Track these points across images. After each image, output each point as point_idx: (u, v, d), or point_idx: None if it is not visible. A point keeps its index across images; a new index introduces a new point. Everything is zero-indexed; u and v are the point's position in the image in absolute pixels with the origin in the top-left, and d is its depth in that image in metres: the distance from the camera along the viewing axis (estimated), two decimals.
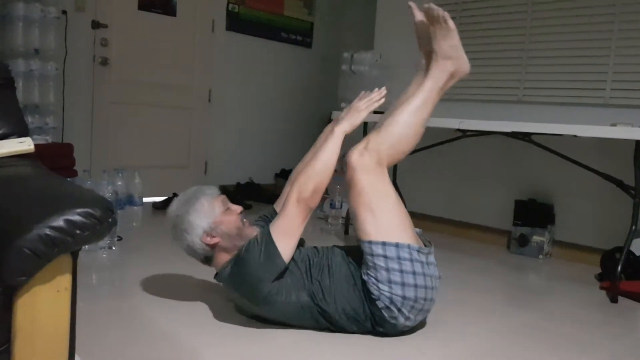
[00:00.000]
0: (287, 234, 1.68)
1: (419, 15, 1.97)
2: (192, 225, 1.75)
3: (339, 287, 1.74)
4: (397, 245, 1.70)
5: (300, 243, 1.83)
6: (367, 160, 1.75)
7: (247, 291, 1.71)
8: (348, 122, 1.81)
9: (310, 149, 2.06)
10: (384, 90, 1.88)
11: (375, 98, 1.85)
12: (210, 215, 1.76)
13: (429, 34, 1.93)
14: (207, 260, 1.82)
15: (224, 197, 1.83)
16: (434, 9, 1.85)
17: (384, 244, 1.70)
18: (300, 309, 1.73)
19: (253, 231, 1.81)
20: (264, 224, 1.89)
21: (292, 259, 1.74)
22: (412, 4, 1.99)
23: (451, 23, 1.85)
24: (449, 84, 1.92)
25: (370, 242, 1.71)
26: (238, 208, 1.83)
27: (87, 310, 1.79)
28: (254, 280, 1.67)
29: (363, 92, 1.92)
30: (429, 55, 1.97)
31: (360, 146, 1.78)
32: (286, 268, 1.70)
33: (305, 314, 1.74)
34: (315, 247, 1.91)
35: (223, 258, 1.79)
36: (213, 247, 1.77)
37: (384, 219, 1.73)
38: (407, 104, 1.86)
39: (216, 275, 1.83)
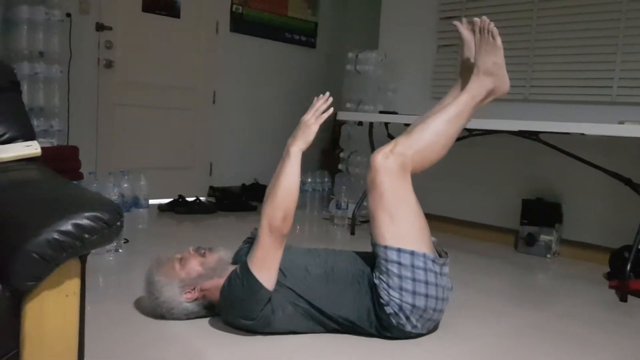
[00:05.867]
0: (265, 265, 1.63)
1: (466, 34, 1.95)
2: (171, 299, 1.74)
3: (343, 292, 1.73)
4: (412, 253, 1.68)
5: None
6: (391, 164, 1.72)
7: (242, 323, 1.69)
8: (301, 139, 1.71)
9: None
10: (328, 96, 1.76)
11: (321, 108, 1.74)
12: (174, 279, 1.74)
13: (473, 49, 1.91)
14: (211, 308, 1.80)
15: (174, 256, 1.80)
16: (485, 21, 1.83)
17: (399, 250, 1.68)
18: (301, 317, 1.72)
19: (217, 257, 1.79)
20: (250, 247, 1.81)
21: (280, 270, 1.69)
22: (457, 23, 1.97)
23: (499, 40, 1.82)
24: (486, 100, 1.89)
25: (386, 247, 1.69)
26: (187, 251, 1.80)
27: (94, 313, 1.78)
28: (244, 314, 1.66)
29: (315, 98, 1.80)
30: (469, 69, 1.93)
31: (386, 148, 1.75)
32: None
33: (308, 320, 1.73)
34: (314, 250, 1.88)
35: (216, 296, 1.75)
36: (203, 296, 1.77)
37: (402, 225, 1.71)
38: (441, 112, 1.83)
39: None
